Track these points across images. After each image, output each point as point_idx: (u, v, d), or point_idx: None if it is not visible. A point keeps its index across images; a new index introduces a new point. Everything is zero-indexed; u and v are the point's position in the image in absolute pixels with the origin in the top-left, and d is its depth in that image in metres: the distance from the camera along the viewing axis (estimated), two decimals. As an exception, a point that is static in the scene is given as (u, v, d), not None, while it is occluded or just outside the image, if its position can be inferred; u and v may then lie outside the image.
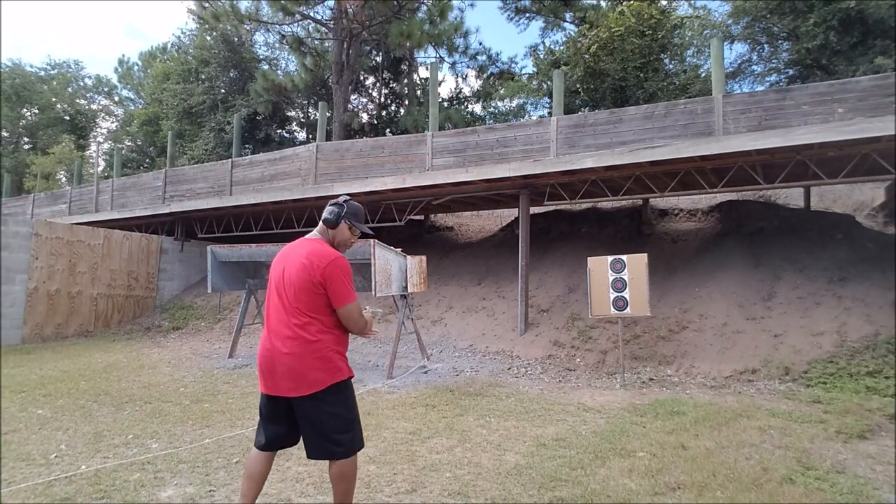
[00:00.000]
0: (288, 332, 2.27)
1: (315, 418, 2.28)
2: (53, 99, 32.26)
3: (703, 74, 14.37)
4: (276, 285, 2.39)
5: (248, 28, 18.72)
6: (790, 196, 10.92)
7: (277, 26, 18.95)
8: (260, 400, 2.44)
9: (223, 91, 20.61)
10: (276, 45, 22.82)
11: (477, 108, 21.91)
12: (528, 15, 20.10)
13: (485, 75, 21.62)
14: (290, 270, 2.34)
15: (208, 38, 21.29)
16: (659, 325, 7.14)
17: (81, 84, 34.27)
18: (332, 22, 16.06)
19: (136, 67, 34.80)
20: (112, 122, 35.56)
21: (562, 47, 16.39)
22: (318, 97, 20.37)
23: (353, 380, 2.41)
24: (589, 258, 6.48)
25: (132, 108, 33.31)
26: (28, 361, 7.61)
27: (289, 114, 22.56)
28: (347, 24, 15.60)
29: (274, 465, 3.49)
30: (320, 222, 2.50)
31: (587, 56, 12.65)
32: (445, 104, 20.56)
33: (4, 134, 30.87)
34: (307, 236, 2.49)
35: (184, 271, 13.14)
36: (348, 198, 2.51)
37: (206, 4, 16.08)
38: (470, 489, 3.10)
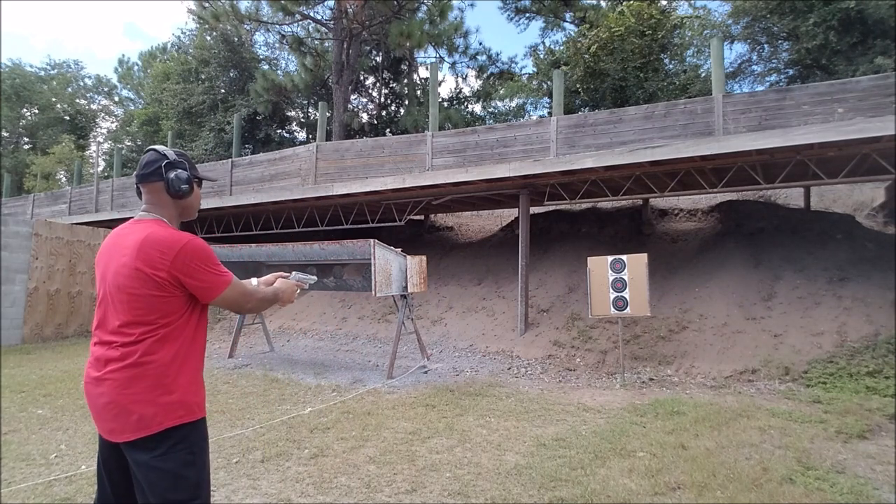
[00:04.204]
0: (113, 351, 1.65)
1: (143, 475, 1.61)
2: (53, 99, 32.30)
3: (703, 74, 14.36)
4: (102, 291, 1.73)
5: (248, 28, 18.77)
6: (790, 196, 10.92)
7: (277, 26, 18.99)
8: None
9: (223, 91, 20.65)
10: (276, 45, 22.90)
11: (477, 108, 21.98)
12: (528, 15, 20.15)
13: (485, 75, 21.68)
14: (117, 271, 1.67)
15: (208, 38, 21.32)
16: (659, 325, 7.14)
17: (81, 84, 34.36)
18: (332, 22, 16.07)
19: (136, 67, 34.93)
20: (112, 122, 35.69)
21: (562, 47, 16.40)
22: (318, 97, 20.40)
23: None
24: (589, 258, 6.48)
25: (132, 108, 33.38)
26: (28, 361, 7.61)
27: (289, 114, 22.60)
28: (347, 24, 15.61)
29: (274, 464, 3.50)
30: (147, 195, 1.80)
31: (587, 56, 12.65)
32: (445, 104, 20.58)
33: (4, 134, 30.88)
34: (138, 216, 1.80)
35: (184, 271, 13.11)
36: (165, 148, 1.83)
37: (206, 4, 16.10)
38: (470, 489, 3.10)
